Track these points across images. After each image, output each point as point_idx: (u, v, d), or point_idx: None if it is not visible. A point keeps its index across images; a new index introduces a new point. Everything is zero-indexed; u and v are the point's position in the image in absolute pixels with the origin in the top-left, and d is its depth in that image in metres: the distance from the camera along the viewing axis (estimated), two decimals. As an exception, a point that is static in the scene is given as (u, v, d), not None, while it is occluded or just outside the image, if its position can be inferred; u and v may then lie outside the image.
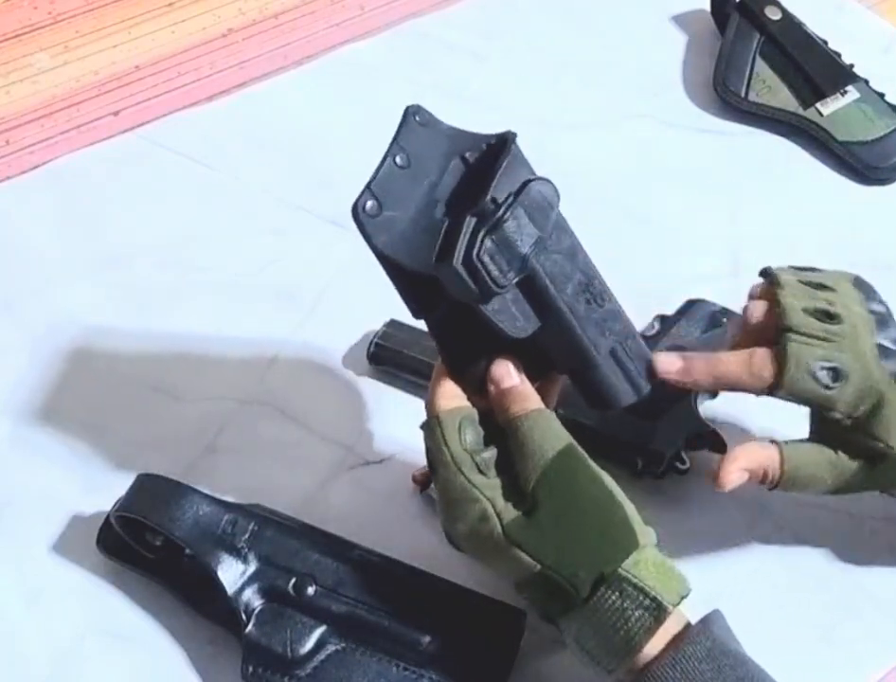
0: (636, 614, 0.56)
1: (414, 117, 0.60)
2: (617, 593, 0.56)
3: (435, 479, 0.61)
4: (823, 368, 0.62)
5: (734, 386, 0.64)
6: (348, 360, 0.80)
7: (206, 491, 0.67)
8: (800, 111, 0.93)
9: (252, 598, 0.64)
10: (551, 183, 0.59)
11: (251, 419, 0.77)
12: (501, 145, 0.60)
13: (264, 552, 0.65)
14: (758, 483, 0.64)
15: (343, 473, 0.74)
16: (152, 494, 0.67)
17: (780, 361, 0.62)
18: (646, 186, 0.91)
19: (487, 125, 0.97)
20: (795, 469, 0.64)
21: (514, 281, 0.57)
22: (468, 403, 0.62)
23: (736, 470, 0.63)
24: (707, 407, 0.75)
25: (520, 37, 1.02)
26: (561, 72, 0.99)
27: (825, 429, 0.64)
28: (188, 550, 0.65)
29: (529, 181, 0.58)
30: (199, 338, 0.81)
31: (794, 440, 0.65)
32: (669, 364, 0.64)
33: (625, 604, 0.56)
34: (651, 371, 0.63)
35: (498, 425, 0.61)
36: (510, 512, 0.58)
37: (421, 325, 0.79)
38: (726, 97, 0.95)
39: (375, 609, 0.64)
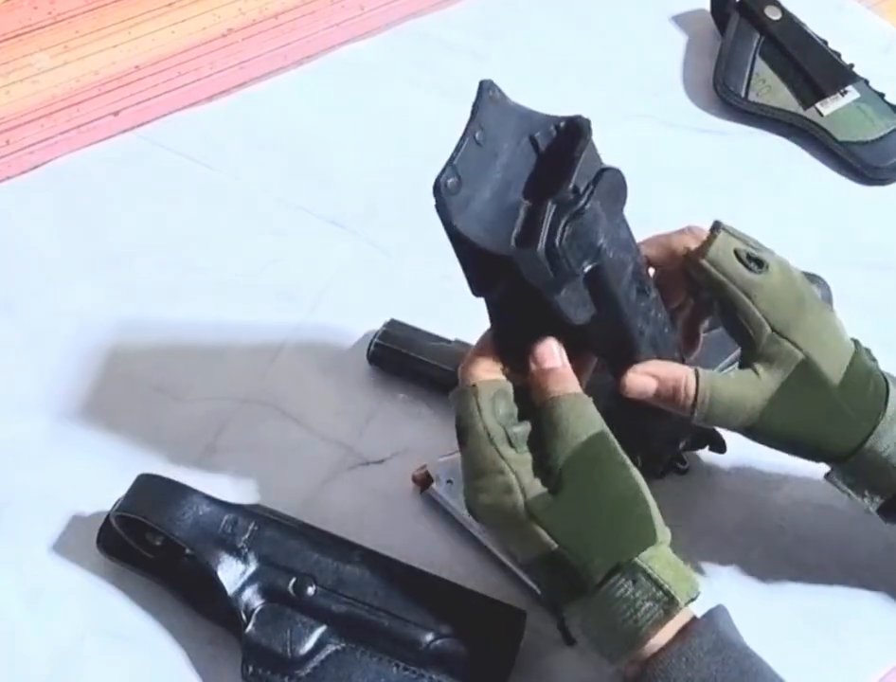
0: (647, 605, 0.56)
1: (488, 93, 0.59)
2: (630, 582, 0.56)
3: (463, 448, 0.60)
4: (748, 255, 0.61)
5: (656, 261, 0.63)
6: (348, 360, 0.80)
7: (206, 491, 0.67)
8: (800, 111, 0.93)
9: (252, 598, 0.64)
10: (621, 173, 0.59)
11: (251, 419, 0.77)
12: (574, 130, 0.59)
13: (264, 552, 0.65)
14: (672, 404, 0.62)
15: (343, 473, 0.74)
16: (153, 494, 0.67)
17: (705, 242, 0.62)
18: (646, 186, 0.90)
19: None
20: (711, 390, 0.61)
21: (586, 270, 0.57)
22: (504, 377, 0.61)
23: (643, 373, 0.62)
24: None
25: (520, 37, 1.02)
26: (561, 72, 0.99)
27: (745, 349, 0.62)
28: (188, 550, 0.65)
29: (604, 170, 0.58)
30: (199, 338, 0.81)
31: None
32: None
33: (637, 594, 0.56)
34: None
35: (531, 404, 0.61)
36: (535, 489, 0.58)
37: (420, 325, 0.79)
38: (726, 97, 0.95)
39: (375, 609, 0.64)
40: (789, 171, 0.93)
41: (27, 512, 0.72)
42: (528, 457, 0.59)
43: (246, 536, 0.65)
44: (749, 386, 0.61)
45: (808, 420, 0.62)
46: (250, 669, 0.63)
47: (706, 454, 0.73)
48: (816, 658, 0.67)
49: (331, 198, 0.89)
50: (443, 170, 0.54)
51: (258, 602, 0.64)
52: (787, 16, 0.98)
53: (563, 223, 0.55)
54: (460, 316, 0.82)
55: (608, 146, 0.93)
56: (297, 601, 0.64)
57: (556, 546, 0.57)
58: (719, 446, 0.72)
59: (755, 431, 0.62)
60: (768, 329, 0.61)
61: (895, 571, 0.70)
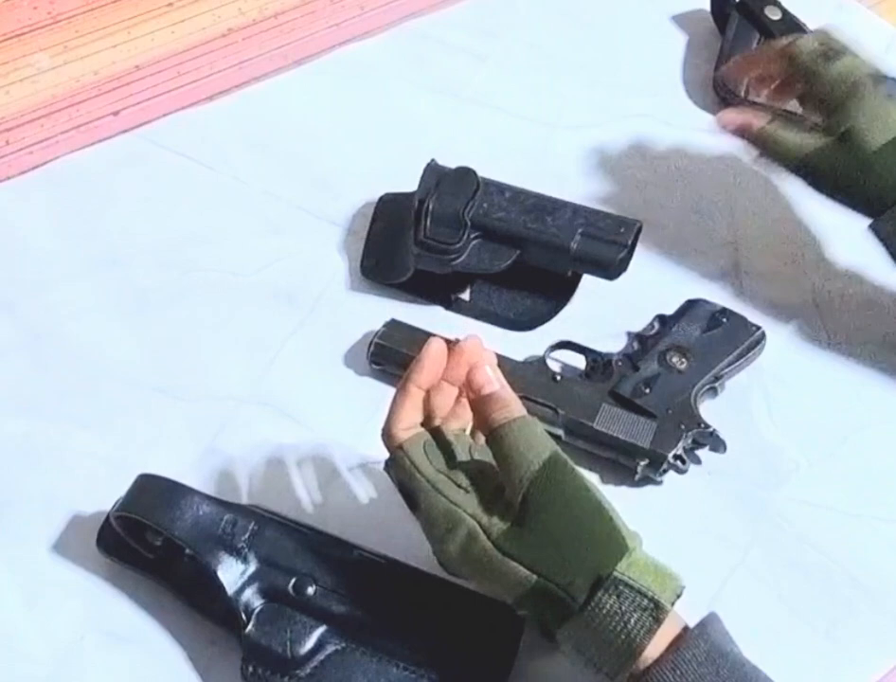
0: (636, 616, 0.56)
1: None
2: (614, 597, 0.56)
3: (415, 509, 0.61)
4: (833, 42, 0.78)
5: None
6: (348, 360, 0.80)
7: (206, 491, 0.67)
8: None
9: (252, 598, 0.64)
10: (442, 168, 0.84)
11: (251, 419, 0.77)
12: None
13: (264, 552, 0.65)
14: (745, 128, 0.79)
15: (343, 473, 0.74)
16: (153, 494, 0.67)
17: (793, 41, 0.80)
18: (646, 185, 0.91)
19: (487, 125, 0.98)
20: (778, 125, 0.78)
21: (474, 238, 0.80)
22: (423, 429, 0.62)
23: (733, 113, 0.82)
24: (708, 407, 0.76)
25: (520, 37, 1.02)
26: (561, 72, 0.99)
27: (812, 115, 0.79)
28: (187, 550, 0.65)
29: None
30: (199, 338, 0.81)
31: None
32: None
33: (623, 607, 0.56)
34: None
35: (449, 443, 0.62)
36: (497, 526, 0.58)
37: (420, 325, 0.79)
38: (726, 96, 0.95)
39: (375, 609, 0.64)
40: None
41: (27, 512, 0.72)
42: (481, 494, 0.59)
43: (246, 536, 0.65)
44: (802, 138, 0.77)
45: (846, 175, 0.75)
46: (250, 669, 0.63)
47: (706, 454, 0.73)
48: (816, 659, 0.67)
49: (331, 198, 0.89)
50: None
51: (258, 602, 0.64)
52: (787, 16, 0.98)
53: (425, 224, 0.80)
54: (460, 316, 0.83)
55: (608, 145, 0.93)
56: (297, 601, 0.64)
57: (535, 577, 0.57)
58: (719, 446, 0.73)
59: (802, 170, 0.77)
60: (822, 104, 0.77)
61: (895, 571, 0.71)
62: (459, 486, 0.59)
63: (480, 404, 0.61)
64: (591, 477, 0.64)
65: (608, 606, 0.56)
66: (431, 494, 0.60)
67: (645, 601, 0.56)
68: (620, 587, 0.56)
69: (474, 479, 0.60)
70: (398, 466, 0.61)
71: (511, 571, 0.58)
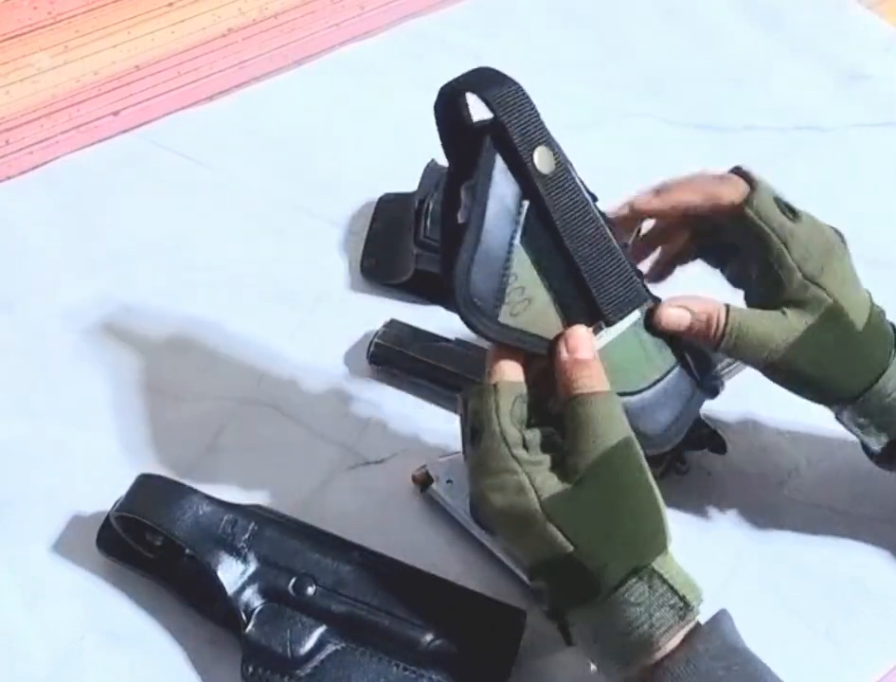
0: (661, 611, 0.56)
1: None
2: (647, 587, 0.56)
3: (473, 447, 0.59)
4: (785, 204, 0.65)
5: (696, 209, 0.66)
6: (348, 360, 0.80)
7: (206, 491, 0.67)
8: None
9: (252, 598, 0.64)
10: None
11: (251, 419, 0.77)
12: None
13: (264, 552, 0.65)
14: (703, 335, 0.63)
15: (343, 473, 0.74)
16: (152, 494, 0.67)
17: (749, 181, 0.65)
18: (646, 184, 0.91)
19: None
20: (741, 323, 0.63)
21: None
22: (523, 382, 0.60)
23: (678, 307, 0.63)
24: (708, 407, 0.75)
25: (520, 37, 1.02)
26: (561, 72, 0.99)
27: (774, 289, 0.64)
28: (187, 550, 0.65)
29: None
30: (199, 338, 0.81)
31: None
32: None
33: (652, 600, 0.56)
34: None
35: (545, 411, 0.60)
36: (549, 488, 0.57)
37: (420, 325, 0.79)
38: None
39: (375, 609, 0.64)
40: (789, 168, 0.93)
41: (27, 512, 0.72)
42: (542, 458, 0.58)
43: (246, 536, 0.65)
44: (777, 325, 0.63)
45: (829, 361, 0.64)
46: (250, 669, 0.63)
47: (706, 454, 0.73)
48: (816, 659, 0.67)
49: (331, 198, 0.89)
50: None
51: (258, 602, 0.64)
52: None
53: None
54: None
55: (608, 145, 0.93)
56: (297, 601, 0.64)
57: (571, 547, 0.56)
58: (719, 446, 0.73)
59: (775, 368, 0.64)
60: (799, 275, 0.63)
61: (895, 572, 0.71)
62: (526, 445, 0.58)
63: (569, 367, 0.59)
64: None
65: (637, 595, 0.56)
66: (497, 440, 0.58)
67: (675, 599, 0.56)
68: (655, 580, 0.56)
69: (543, 445, 0.59)
70: (481, 399, 0.59)
71: (549, 536, 0.56)
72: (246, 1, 1.04)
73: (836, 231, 0.66)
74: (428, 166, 0.85)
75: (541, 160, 0.58)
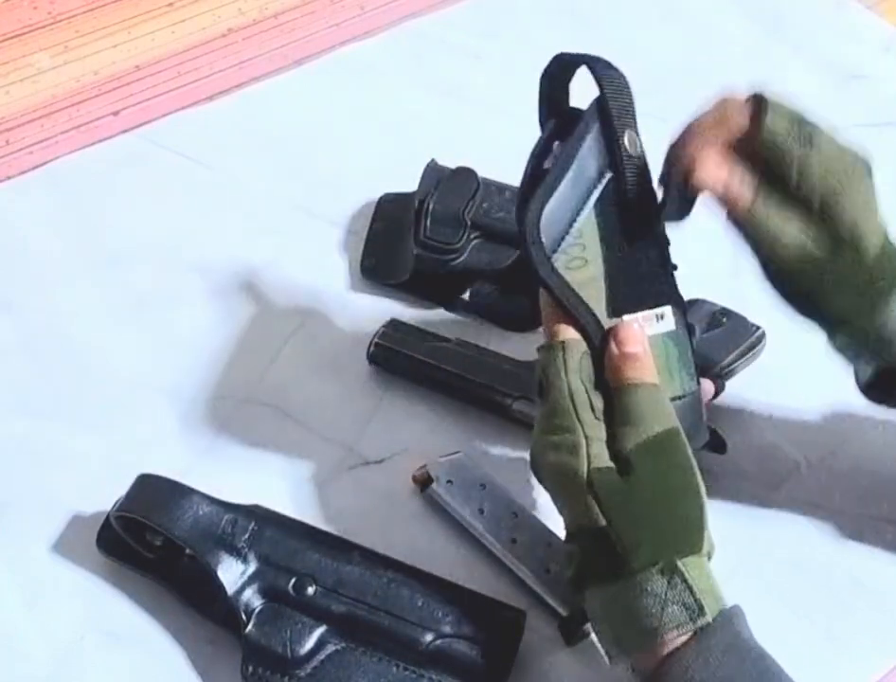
0: (675, 608, 0.56)
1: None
2: (666, 581, 0.56)
3: (542, 401, 0.60)
4: (803, 122, 0.62)
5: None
6: (348, 360, 0.80)
7: (206, 491, 0.67)
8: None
9: (252, 598, 0.64)
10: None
11: (251, 419, 0.77)
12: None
13: (264, 552, 0.65)
14: (727, 204, 0.63)
15: (343, 473, 0.74)
16: (152, 494, 0.67)
17: (757, 106, 0.62)
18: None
19: (487, 125, 0.98)
20: (765, 205, 0.62)
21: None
22: (584, 343, 0.61)
23: (716, 167, 0.62)
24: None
25: (520, 37, 1.02)
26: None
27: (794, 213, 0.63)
28: (188, 550, 0.65)
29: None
30: (199, 338, 0.81)
31: None
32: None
33: (668, 594, 0.56)
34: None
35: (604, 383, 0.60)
36: (600, 461, 0.57)
37: (420, 324, 0.79)
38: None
39: (375, 609, 0.64)
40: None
41: (27, 512, 0.72)
42: (603, 426, 0.59)
43: (246, 536, 0.65)
44: (795, 226, 0.62)
45: (836, 282, 0.63)
46: (250, 669, 0.63)
47: (706, 454, 0.73)
48: (816, 659, 0.67)
49: (331, 198, 0.89)
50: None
51: (258, 602, 0.64)
52: None
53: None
54: (460, 316, 0.83)
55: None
56: (297, 601, 0.64)
57: (604, 522, 0.57)
58: (719, 446, 0.72)
59: (782, 272, 0.64)
60: (817, 205, 0.62)
61: (895, 571, 0.71)
62: (592, 406, 0.59)
63: (620, 359, 0.60)
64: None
65: (654, 586, 0.56)
66: (564, 397, 0.59)
67: (691, 600, 0.56)
68: (676, 576, 0.56)
69: (603, 411, 0.59)
70: (549, 356, 0.60)
71: (586, 506, 0.57)
72: (246, 1, 1.04)
73: (859, 153, 0.64)
74: (428, 166, 0.85)
75: (630, 142, 0.63)
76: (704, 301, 0.79)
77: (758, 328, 0.78)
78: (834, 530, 0.72)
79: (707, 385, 0.66)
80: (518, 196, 0.64)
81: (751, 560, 0.71)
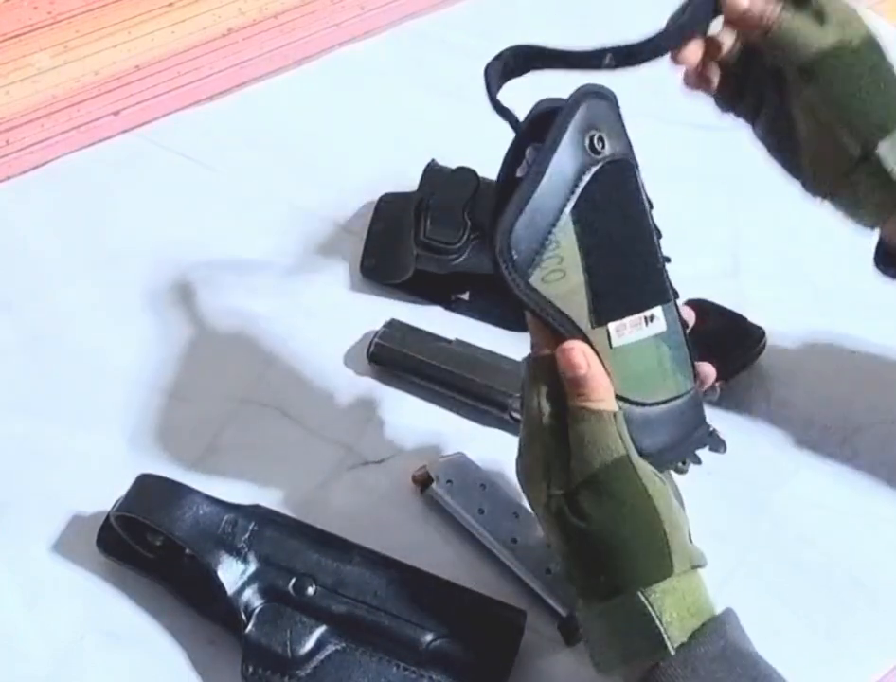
0: (637, 639, 0.55)
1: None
2: (624, 614, 0.55)
3: (522, 413, 0.60)
4: None
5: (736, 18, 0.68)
6: (348, 360, 0.80)
7: (206, 491, 0.67)
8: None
9: (252, 598, 0.64)
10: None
11: (251, 419, 0.77)
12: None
13: (264, 552, 0.65)
14: (753, 23, 0.66)
15: (343, 473, 0.74)
16: (152, 494, 0.67)
17: None
18: (645, 184, 0.91)
19: (487, 125, 0.97)
20: (789, 10, 0.64)
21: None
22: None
23: None
24: (708, 408, 0.75)
25: (519, 37, 1.01)
26: (560, 72, 0.98)
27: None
28: (188, 550, 0.65)
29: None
30: (199, 338, 0.81)
31: None
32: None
33: (627, 626, 0.55)
34: None
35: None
36: (561, 488, 0.57)
37: (420, 324, 0.79)
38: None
39: (375, 609, 0.64)
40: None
41: (27, 512, 0.72)
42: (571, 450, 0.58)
43: (246, 536, 0.65)
44: (815, 30, 0.64)
45: (863, 86, 0.64)
46: (250, 669, 0.63)
47: (706, 454, 0.73)
48: (816, 659, 0.67)
49: (331, 198, 0.89)
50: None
51: (258, 602, 0.64)
52: None
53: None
54: (460, 316, 0.83)
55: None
56: (297, 601, 0.64)
57: (566, 548, 0.57)
58: (719, 446, 0.72)
59: (808, 74, 0.64)
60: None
61: (894, 571, 0.71)
62: (560, 430, 0.57)
63: (569, 384, 0.58)
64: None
65: (614, 619, 0.56)
66: (533, 420, 0.58)
67: (652, 632, 0.54)
68: (634, 609, 0.55)
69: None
70: (528, 374, 0.59)
71: (549, 531, 0.58)
72: (246, 1, 1.04)
73: None
74: (428, 166, 0.85)
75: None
76: (704, 301, 0.79)
77: (758, 328, 0.78)
78: (834, 530, 0.72)
79: (709, 369, 0.65)
80: (489, 212, 0.61)
81: (751, 560, 0.71)
